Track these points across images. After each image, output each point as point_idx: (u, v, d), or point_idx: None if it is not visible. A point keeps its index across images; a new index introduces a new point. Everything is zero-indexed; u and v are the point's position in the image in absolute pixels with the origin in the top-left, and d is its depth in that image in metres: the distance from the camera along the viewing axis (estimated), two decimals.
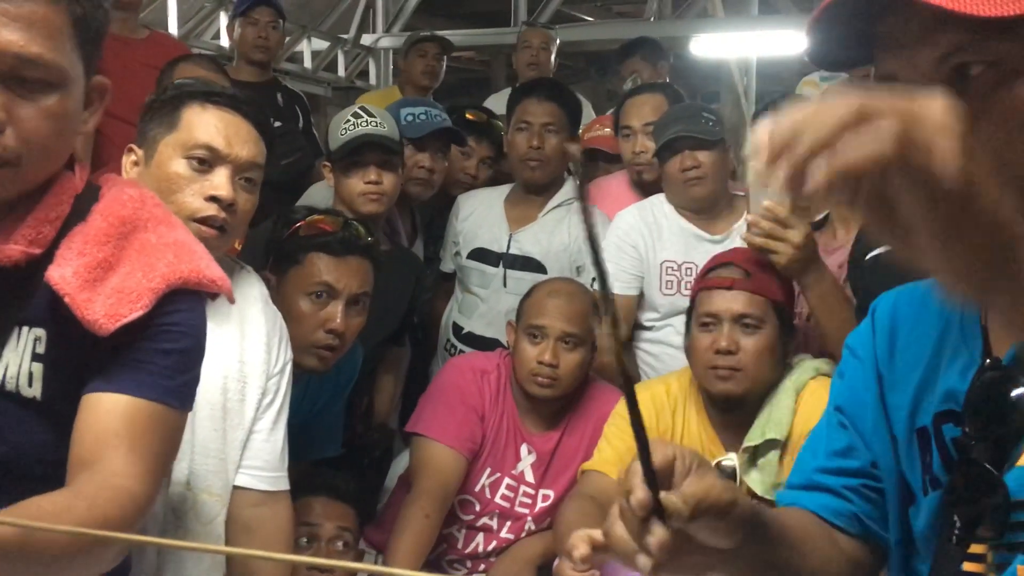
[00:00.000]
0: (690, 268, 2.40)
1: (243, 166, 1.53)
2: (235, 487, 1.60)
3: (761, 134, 0.60)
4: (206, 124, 1.52)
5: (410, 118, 2.65)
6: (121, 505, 0.98)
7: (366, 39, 6.19)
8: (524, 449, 2.18)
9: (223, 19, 5.12)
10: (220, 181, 1.50)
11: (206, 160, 1.50)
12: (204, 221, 1.49)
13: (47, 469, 1.04)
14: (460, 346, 2.75)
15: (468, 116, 3.06)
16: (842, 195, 0.59)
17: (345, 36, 6.06)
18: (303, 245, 1.91)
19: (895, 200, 0.59)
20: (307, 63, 5.85)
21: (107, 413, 1.02)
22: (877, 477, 0.97)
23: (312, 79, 5.83)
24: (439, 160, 2.72)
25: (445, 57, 4.21)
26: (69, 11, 0.99)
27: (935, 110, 0.58)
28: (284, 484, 1.67)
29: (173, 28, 4.73)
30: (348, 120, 2.41)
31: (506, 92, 4.20)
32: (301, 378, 1.95)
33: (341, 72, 6.12)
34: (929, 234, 0.60)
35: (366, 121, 2.38)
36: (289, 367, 1.70)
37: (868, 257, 1.81)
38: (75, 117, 1.03)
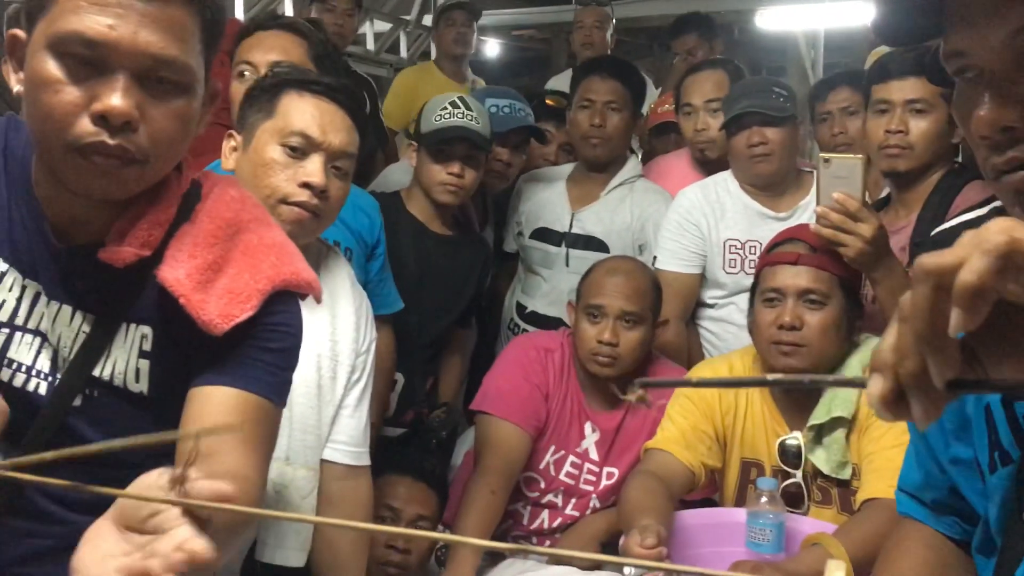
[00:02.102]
0: (754, 246, 2.38)
1: (336, 154, 1.57)
2: (321, 460, 1.67)
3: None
4: (302, 112, 1.57)
5: (494, 110, 2.66)
6: (246, 494, 1.00)
7: (428, 20, 6.21)
8: (588, 427, 2.19)
9: (288, 2, 5.19)
10: (313, 168, 1.54)
11: (300, 147, 1.55)
12: (297, 205, 1.54)
13: (154, 461, 1.09)
14: (523, 325, 2.77)
15: (548, 102, 3.07)
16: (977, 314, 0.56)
17: (407, 17, 6.10)
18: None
19: None
20: (370, 45, 5.90)
21: (219, 405, 1.05)
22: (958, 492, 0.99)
23: (375, 61, 5.88)
24: (517, 155, 2.75)
25: (475, 22, 4.20)
26: (200, 15, 1.01)
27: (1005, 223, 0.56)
28: (366, 459, 1.74)
29: (239, 12, 4.80)
30: (445, 108, 2.42)
31: (567, 73, 4.19)
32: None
33: (403, 53, 6.16)
34: None
35: (462, 113, 2.40)
36: (374, 345, 1.75)
37: (933, 233, 1.77)
38: (196, 120, 1.05)
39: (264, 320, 1.07)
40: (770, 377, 0.64)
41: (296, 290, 1.12)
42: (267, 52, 1.97)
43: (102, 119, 0.94)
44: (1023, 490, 0.86)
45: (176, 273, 1.03)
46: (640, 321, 2.11)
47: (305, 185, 1.53)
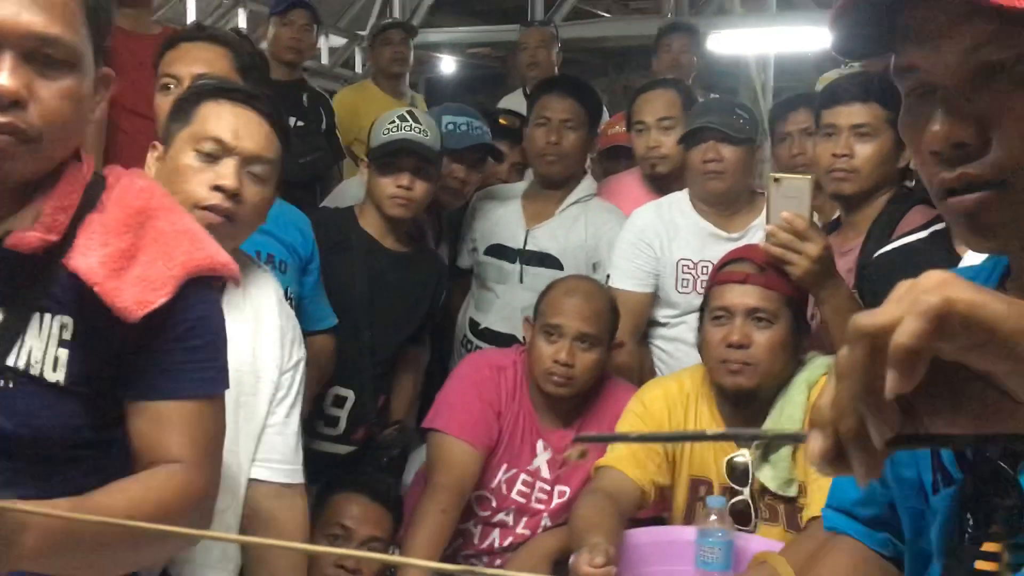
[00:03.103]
0: (706, 267, 2.40)
1: (249, 159, 1.56)
2: (252, 480, 1.63)
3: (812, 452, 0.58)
4: (217, 118, 1.56)
5: (451, 127, 2.66)
6: (176, 487, 1.04)
7: None
8: (540, 445, 2.19)
9: (242, 15, 5.16)
10: (225, 171, 1.53)
11: (213, 152, 1.54)
12: (208, 209, 1.52)
13: (70, 451, 1.08)
14: (477, 342, 2.76)
15: (501, 121, 3.08)
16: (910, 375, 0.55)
17: (362, 33, 6.09)
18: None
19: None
20: (324, 60, 5.88)
21: (158, 421, 1.09)
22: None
23: (330, 75, 5.86)
24: (473, 173, 2.74)
25: (411, 40, 4.23)
26: None
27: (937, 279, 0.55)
28: (299, 477, 1.70)
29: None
30: (393, 121, 2.41)
31: (518, 92, 4.22)
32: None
33: (358, 68, 6.15)
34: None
35: (410, 126, 2.39)
36: (303, 364, 1.73)
37: (876, 255, 1.81)
38: (88, 101, 1.08)
39: (182, 317, 1.10)
40: (709, 432, 0.63)
41: (211, 273, 1.14)
42: (191, 64, 1.95)
43: None
44: (965, 512, 0.87)
45: (88, 261, 1.05)
46: (597, 343, 2.11)
47: (217, 188, 1.51)
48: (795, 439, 0.62)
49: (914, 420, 0.58)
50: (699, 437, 0.59)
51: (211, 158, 1.54)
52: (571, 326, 2.09)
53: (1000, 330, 0.54)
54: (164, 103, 1.87)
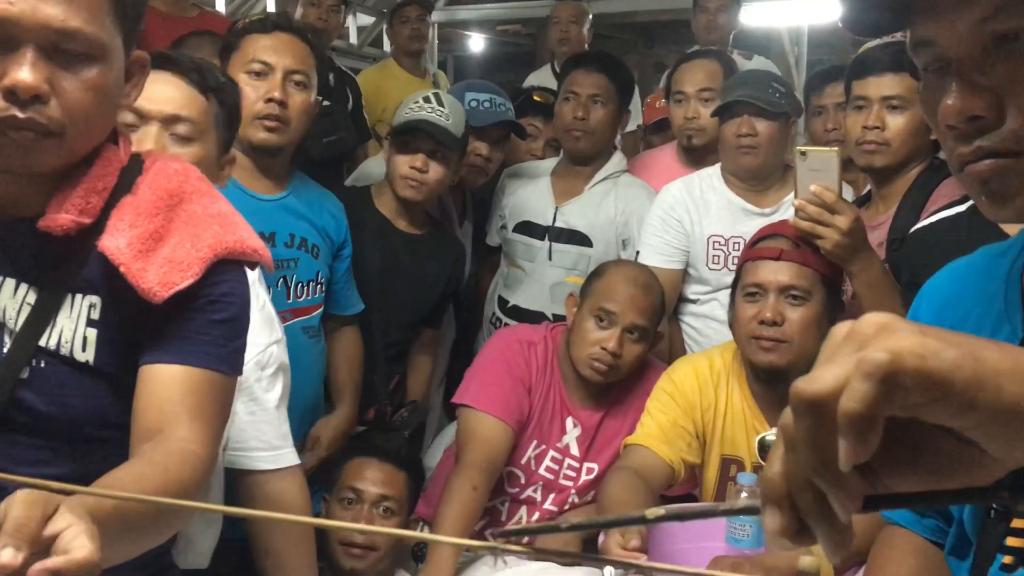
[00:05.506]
0: (737, 243, 2.38)
1: (168, 118, 1.53)
2: (242, 471, 1.63)
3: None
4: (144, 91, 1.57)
5: (474, 104, 2.65)
6: (192, 468, 1.02)
7: None
8: (570, 422, 2.18)
9: None
10: (145, 138, 1.51)
11: (134, 123, 1.53)
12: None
13: (101, 431, 1.09)
14: (506, 320, 2.76)
15: (536, 98, 3.07)
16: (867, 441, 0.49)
17: None
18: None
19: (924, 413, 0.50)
20: (352, 39, 5.87)
21: (167, 384, 1.07)
22: None
23: (358, 55, 5.85)
24: (497, 150, 2.73)
25: (428, 17, 4.24)
26: None
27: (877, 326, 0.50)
28: (288, 460, 1.69)
29: (221, 6, 4.77)
30: (417, 102, 2.41)
31: (546, 69, 4.19)
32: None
33: (386, 47, 6.13)
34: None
35: (432, 108, 2.38)
36: (273, 349, 1.70)
37: (914, 230, 1.78)
38: (116, 90, 1.07)
39: (207, 291, 1.09)
40: (649, 515, 0.56)
41: (242, 258, 1.13)
42: (284, 55, 2.01)
43: (12, 94, 0.97)
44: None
45: (117, 242, 1.05)
46: (645, 336, 2.09)
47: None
48: (749, 513, 0.56)
49: (872, 479, 0.53)
50: (639, 521, 0.56)
51: (133, 128, 1.53)
52: (626, 316, 2.06)
53: (955, 382, 0.48)
54: (255, 85, 1.98)
